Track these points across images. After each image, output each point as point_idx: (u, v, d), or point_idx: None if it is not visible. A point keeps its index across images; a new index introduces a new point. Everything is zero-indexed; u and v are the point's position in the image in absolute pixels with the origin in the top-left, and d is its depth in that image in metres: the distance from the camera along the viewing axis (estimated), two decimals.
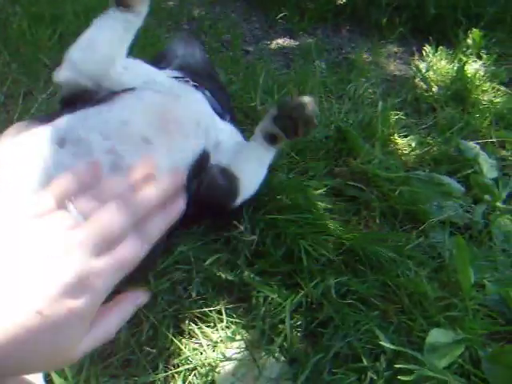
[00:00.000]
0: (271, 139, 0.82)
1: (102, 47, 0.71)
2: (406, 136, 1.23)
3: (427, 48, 1.80)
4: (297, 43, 2.05)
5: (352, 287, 0.76)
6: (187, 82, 0.85)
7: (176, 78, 0.85)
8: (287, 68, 1.79)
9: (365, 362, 0.66)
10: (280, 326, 0.73)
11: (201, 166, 0.74)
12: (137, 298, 0.35)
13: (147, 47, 1.64)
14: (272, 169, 1.04)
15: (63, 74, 0.71)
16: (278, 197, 0.90)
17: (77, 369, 0.63)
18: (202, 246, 0.85)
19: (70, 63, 0.71)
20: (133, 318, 0.36)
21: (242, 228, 0.84)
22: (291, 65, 1.82)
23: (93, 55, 0.71)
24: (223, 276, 0.78)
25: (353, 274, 0.79)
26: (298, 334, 0.72)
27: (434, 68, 1.67)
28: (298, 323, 0.73)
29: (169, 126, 0.69)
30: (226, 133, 0.84)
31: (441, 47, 1.76)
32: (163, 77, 0.81)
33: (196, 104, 0.80)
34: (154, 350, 0.68)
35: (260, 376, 0.66)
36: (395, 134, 1.21)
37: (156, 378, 0.65)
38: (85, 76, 0.71)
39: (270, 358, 0.69)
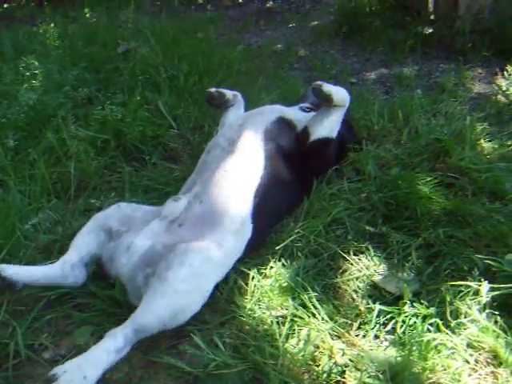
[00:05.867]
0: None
1: None
2: (490, 141, 1.63)
3: (509, 68, 2.16)
4: (392, 72, 2.53)
5: (455, 233, 1.21)
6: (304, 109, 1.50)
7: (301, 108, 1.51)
8: (386, 94, 2.28)
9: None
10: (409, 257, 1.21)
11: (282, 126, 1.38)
12: None
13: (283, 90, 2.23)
14: (387, 167, 1.53)
15: None
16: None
17: None
18: None
19: None
20: None
21: None
22: (390, 92, 2.30)
23: None
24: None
25: (455, 225, 1.24)
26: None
27: None
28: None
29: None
30: (301, 116, 1.45)
31: None
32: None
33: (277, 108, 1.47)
34: None
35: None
36: (481, 140, 1.62)
37: None
38: None
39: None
